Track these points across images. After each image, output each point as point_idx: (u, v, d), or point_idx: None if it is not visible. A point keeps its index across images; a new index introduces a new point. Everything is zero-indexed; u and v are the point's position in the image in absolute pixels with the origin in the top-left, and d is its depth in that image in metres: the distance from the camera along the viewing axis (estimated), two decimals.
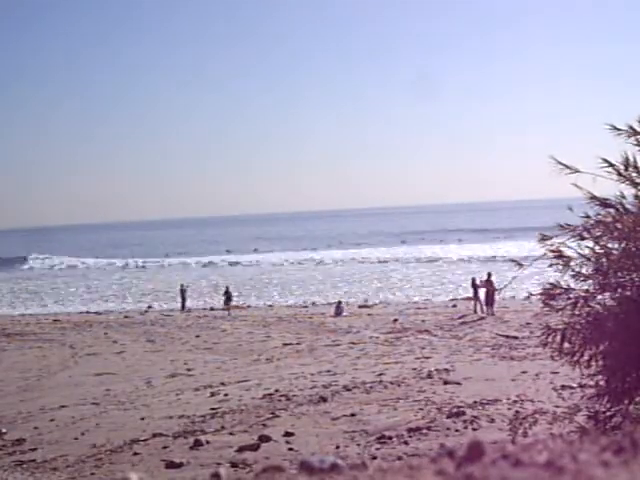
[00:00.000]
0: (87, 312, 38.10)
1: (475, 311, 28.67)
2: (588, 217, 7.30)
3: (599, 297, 7.33)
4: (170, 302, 40.90)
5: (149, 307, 40.09)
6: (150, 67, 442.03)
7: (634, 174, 7.22)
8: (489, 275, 29.27)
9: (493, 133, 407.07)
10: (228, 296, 36.40)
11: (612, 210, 7.23)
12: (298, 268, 60.56)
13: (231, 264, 68.63)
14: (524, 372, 16.29)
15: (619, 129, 7.31)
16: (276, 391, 15.93)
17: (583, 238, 7.33)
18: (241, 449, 11.66)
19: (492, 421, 12.19)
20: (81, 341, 27.00)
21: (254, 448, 11.66)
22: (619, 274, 7.02)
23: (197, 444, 12.10)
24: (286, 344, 23.68)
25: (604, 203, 7.27)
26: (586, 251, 7.31)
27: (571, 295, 7.39)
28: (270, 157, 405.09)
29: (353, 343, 23.05)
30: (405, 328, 25.42)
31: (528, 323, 22.90)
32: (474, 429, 11.86)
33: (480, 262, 54.17)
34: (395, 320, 27.57)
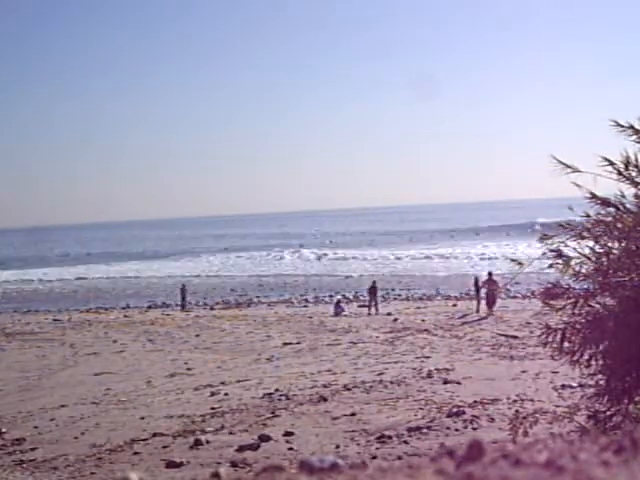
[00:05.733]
0: (87, 310, 38.09)
1: (477, 310, 28.64)
2: (588, 216, 7.30)
3: (599, 296, 7.33)
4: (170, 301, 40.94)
5: (149, 306, 40.11)
6: (151, 67, 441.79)
7: (634, 173, 7.21)
8: (490, 274, 29.20)
9: (493, 133, 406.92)
10: (183, 295, 38.13)
11: (612, 209, 7.22)
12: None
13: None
14: (524, 371, 16.30)
15: (622, 125, 7.31)
16: (276, 390, 15.93)
17: (583, 237, 7.32)
18: (241, 448, 11.67)
19: (492, 421, 12.20)
20: (81, 341, 26.99)
21: (254, 447, 11.67)
22: (619, 273, 7.01)
23: (197, 443, 12.11)
24: (286, 343, 23.68)
25: (604, 202, 7.27)
26: (586, 250, 7.30)
27: (571, 294, 7.39)
28: (270, 157, 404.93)
29: (353, 343, 23.04)
30: (405, 328, 25.41)
31: (528, 322, 22.90)
32: (474, 428, 11.87)
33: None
34: (395, 319, 27.57)
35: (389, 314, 29.46)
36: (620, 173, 7.24)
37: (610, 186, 7.30)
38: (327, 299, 39.37)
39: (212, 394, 16.39)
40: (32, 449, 12.99)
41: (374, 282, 32.80)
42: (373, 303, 31.46)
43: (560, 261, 7.41)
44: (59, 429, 14.30)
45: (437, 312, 29.38)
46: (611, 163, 7.23)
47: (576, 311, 7.36)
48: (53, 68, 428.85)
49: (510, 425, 8.67)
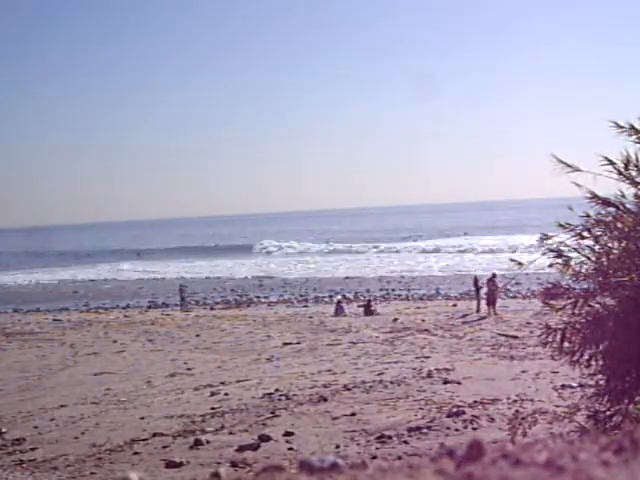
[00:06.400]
0: (87, 310, 38.08)
1: (477, 310, 28.64)
2: (588, 216, 7.29)
3: (599, 296, 7.32)
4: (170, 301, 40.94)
5: (149, 306, 40.10)
6: (151, 67, 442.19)
7: (634, 173, 7.21)
8: (493, 275, 29.20)
9: (493, 133, 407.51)
10: (182, 295, 38.43)
11: (612, 209, 7.22)
12: None
13: None
14: (524, 371, 16.30)
15: (622, 126, 7.31)
16: (276, 390, 15.93)
17: (583, 237, 7.32)
18: (241, 448, 11.67)
19: (492, 421, 12.21)
20: (81, 341, 26.97)
21: (254, 447, 11.67)
22: (619, 273, 7.01)
23: (197, 443, 12.11)
24: (286, 343, 23.67)
25: (604, 202, 7.26)
26: (586, 250, 7.30)
27: (571, 294, 7.39)
28: (270, 157, 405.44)
29: (353, 343, 23.04)
30: (405, 328, 25.41)
31: (528, 322, 22.90)
32: (474, 428, 11.87)
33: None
34: (395, 319, 27.57)
35: (389, 314, 29.47)
36: (620, 173, 7.24)
37: (610, 186, 7.31)
38: (327, 299, 39.38)
39: (212, 394, 16.38)
40: (32, 449, 12.98)
41: None
42: None
43: (560, 261, 7.41)
44: (59, 429, 14.30)
45: (437, 312, 29.37)
46: (611, 163, 7.23)
47: (576, 311, 7.36)
48: (53, 68, 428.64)
49: (510, 425, 8.68)
